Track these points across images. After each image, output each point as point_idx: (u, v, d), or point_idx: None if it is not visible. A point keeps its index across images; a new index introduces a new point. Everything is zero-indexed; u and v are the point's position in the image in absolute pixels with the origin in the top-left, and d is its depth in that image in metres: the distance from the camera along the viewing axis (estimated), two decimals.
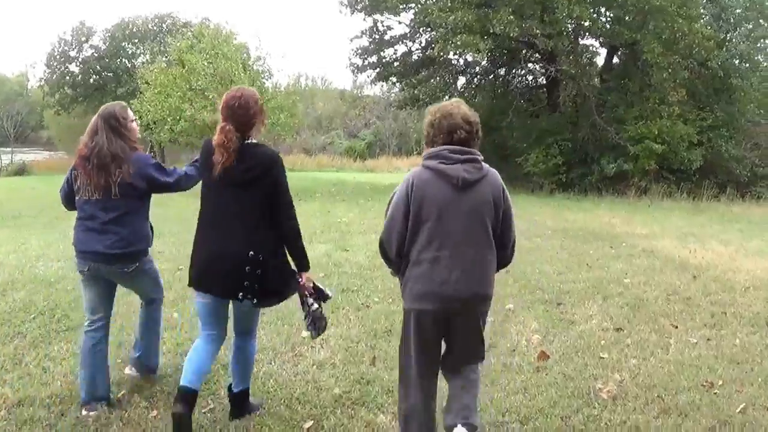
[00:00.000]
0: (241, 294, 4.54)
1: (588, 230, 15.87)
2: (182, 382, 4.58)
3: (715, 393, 5.66)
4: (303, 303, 4.88)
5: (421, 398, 4.35)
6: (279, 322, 7.19)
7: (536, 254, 12.02)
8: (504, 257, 4.40)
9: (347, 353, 6.38)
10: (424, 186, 4.19)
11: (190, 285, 4.80)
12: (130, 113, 5.26)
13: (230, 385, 5.05)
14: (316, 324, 4.90)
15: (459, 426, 4.30)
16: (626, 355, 6.58)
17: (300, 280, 4.81)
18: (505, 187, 4.33)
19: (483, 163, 4.25)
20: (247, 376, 5.00)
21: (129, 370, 5.72)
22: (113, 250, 5.00)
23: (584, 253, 12.45)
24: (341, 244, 12.61)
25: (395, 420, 4.78)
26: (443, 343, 4.45)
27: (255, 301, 4.61)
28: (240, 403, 4.98)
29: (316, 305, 4.86)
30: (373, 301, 8.33)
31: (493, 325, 7.30)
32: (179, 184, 5.23)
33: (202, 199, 4.74)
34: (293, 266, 4.81)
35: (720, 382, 5.90)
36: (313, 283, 4.90)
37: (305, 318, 4.92)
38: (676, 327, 7.60)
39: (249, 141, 4.62)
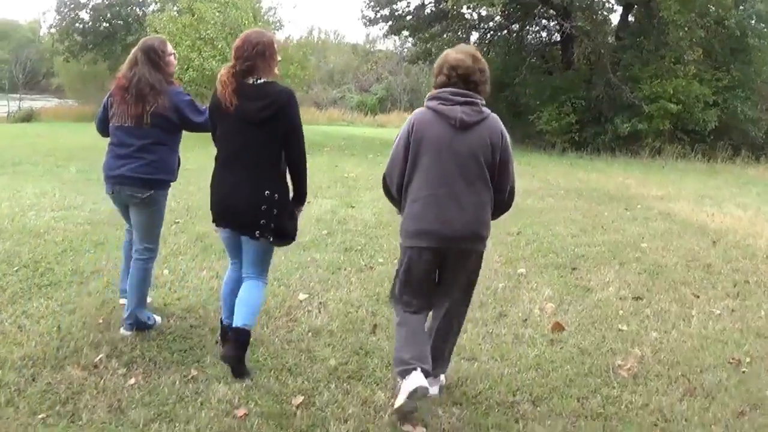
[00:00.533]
0: (257, 232, 4.63)
1: (602, 191, 15.35)
2: (224, 321, 4.93)
3: (743, 371, 5.24)
4: None
5: (412, 327, 4.43)
6: (275, 283, 6.72)
7: (549, 215, 11.56)
8: (501, 202, 4.48)
9: (346, 319, 5.91)
10: (424, 126, 4.30)
11: (213, 221, 4.92)
12: (169, 47, 5.43)
13: (225, 324, 5.02)
14: None
15: (421, 373, 4.18)
16: (646, 327, 6.13)
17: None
18: (505, 132, 4.38)
19: (484, 107, 4.33)
20: (246, 314, 4.75)
21: (123, 331, 5.43)
22: (135, 173, 5.22)
23: (599, 214, 11.97)
24: (347, 200, 12.09)
25: (394, 397, 4.33)
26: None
27: (271, 239, 4.70)
28: (236, 341, 4.73)
29: None
30: (377, 262, 7.88)
31: (504, 292, 6.91)
32: (206, 124, 5.17)
33: (217, 140, 4.82)
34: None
35: (747, 359, 5.48)
36: None
37: None
38: (698, 297, 7.15)
39: (261, 80, 4.65)
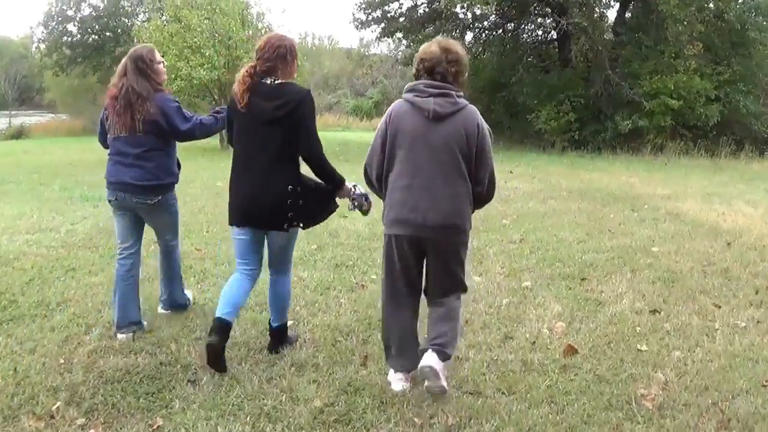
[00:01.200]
0: (286, 224, 4.85)
1: (606, 191, 14.84)
2: (217, 314, 4.82)
3: None
4: (352, 200, 5.19)
5: (399, 319, 4.63)
6: (257, 309, 6.17)
7: (552, 219, 11.00)
8: (479, 193, 4.52)
9: (334, 350, 5.29)
10: (400, 117, 4.44)
11: (230, 223, 5.02)
12: (158, 56, 5.57)
13: (269, 320, 5.31)
14: (365, 206, 5.21)
15: (429, 351, 4.42)
16: (667, 345, 5.54)
17: (340, 194, 5.16)
18: (482, 123, 4.45)
19: (459, 99, 4.41)
20: (283, 313, 5.22)
21: (161, 309, 6.11)
22: (139, 181, 5.38)
23: (604, 217, 11.43)
24: (340, 210, 11.43)
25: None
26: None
27: (302, 225, 4.98)
28: (278, 337, 5.25)
29: (361, 194, 5.19)
30: (370, 279, 7.29)
31: (509, 309, 6.33)
32: (191, 132, 5.52)
33: (235, 141, 4.98)
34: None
35: None
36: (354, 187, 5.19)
37: (362, 208, 5.22)
38: (719, 307, 6.57)
39: (279, 81, 4.82)
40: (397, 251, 4.52)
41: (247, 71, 4.82)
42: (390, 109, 4.55)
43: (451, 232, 4.44)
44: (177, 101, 5.63)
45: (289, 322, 5.44)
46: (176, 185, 5.71)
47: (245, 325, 5.77)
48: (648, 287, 7.19)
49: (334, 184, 5.06)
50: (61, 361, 5.03)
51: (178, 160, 5.71)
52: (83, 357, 5.09)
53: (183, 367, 4.92)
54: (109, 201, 5.60)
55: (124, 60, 5.50)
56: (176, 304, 6.07)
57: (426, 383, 4.37)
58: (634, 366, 5.08)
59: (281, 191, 4.77)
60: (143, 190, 5.41)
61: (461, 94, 4.44)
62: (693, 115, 25.47)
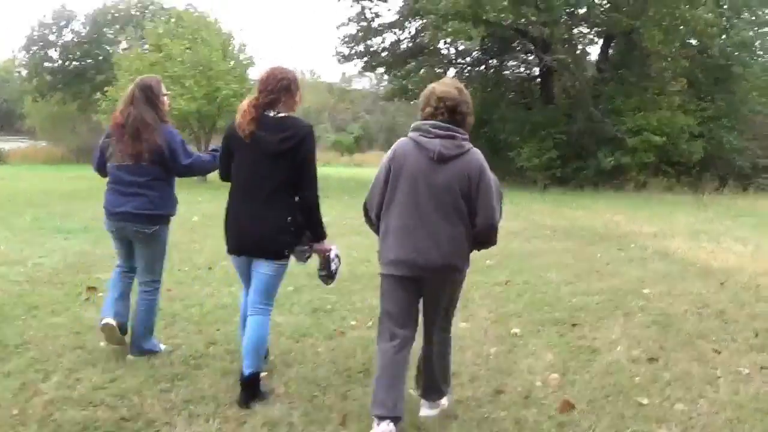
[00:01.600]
0: (282, 252, 4.87)
1: (591, 229, 14.60)
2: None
3: None
4: (325, 263, 5.21)
5: (392, 357, 4.48)
6: (228, 358, 5.75)
7: (538, 259, 10.68)
8: (479, 235, 4.49)
9: (310, 406, 4.82)
10: (404, 156, 4.40)
11: (228, 252, 5.06)
12: (164, 88, 5.67)
13: (242, 368, 4.93)
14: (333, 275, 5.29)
15: (423, 408, 4.72)
16: (669, 397, 5.15)
17: (314, 246, 5.10)
18: (485, 166, 4.42)
19: (465, 142, 4.40)
20: (257, 358, 4.93)
21: (130, 356, 5.74)
22: (140, 210, 5.43)
23: (591, 257, 11.11)
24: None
25: None
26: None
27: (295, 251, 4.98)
28: (250, 388, 4.87)
29: (337, 261, 5.26)
30: (350, 326, 6.88)
31: (498, 359, 5.95)
32: (191, 168, 5.62)
33: (235, 173, 4.96)
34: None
35: None
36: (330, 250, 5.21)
37: (323, 273, 5.28)
38: (719, 352, 6.23)
39: (282, 114, 4.83)
40: (395, 291, 4.49)
41: (250, 103, 4.82)
42: (394, 146, 4.52)
43: (451, 272, 4.46)
44: (180, 136, 5.74)
45: (263, 374, 5.04)
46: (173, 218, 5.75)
47: (214, 377, 5.32)
48: (643, 332, 6.83)
49: (316, 234, 5.05)
50: (15, 411, 4.59)
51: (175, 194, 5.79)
52: (39, 408, 4.65)
53: (146, 422, 4.49)
54: (109, 231, 5.70)
55: (131, 88, 5.58)
56: (144, 349, 5.75)
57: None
58: (635, 422, 4.70)
59: (281, 223, 4.81)
60: (143, 219, 5.45)
61: (467, 137, 4.43)
62: (677, 151, 25.56)
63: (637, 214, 17.92)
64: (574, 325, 7.08)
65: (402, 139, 4.53)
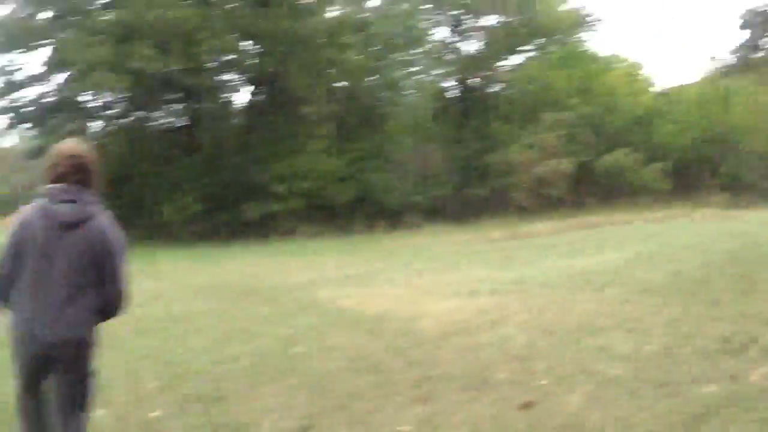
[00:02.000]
0: None
1: (238, 285, 13.88)
2: None
3: None
4: None
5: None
6: None
7: (181, 325, 9.66)
8: (108, 304, 4.30)
9: None
10: (29, 224, 4.19)
11: None
12: None
13: None
14: None
15: None
16: None
17: None
18: (113, 230, 4.29)
19: (91, 206, 4.25)
20: None
21: None
22: None
23: (237, 316, 10.30)
24: None
25: None
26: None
27: None
28: None
29: None
30: None
31: None
32: None
33: None
34: None
35: None
36: None
37: None
38: (379, 412, 5.67)
39: None
40: (27, 367, 4.24)
41: None
42: (21, 213, 4.27)
43: (76, 345, 4.24)
44: None
45: None
46: None
47: None
48: (293, 399, 6.12)
49: None
50: None
51: None
52: None
53: None
54: None
55: None
56: None
57: None
58: None
59: None
60: None
61: (96, 199, 4.31)
62: (326, 195, 26.02)
63: (289, 264, 17.65)
64: (219, 398, 6.21)
65: (29, 205, 4.30)
